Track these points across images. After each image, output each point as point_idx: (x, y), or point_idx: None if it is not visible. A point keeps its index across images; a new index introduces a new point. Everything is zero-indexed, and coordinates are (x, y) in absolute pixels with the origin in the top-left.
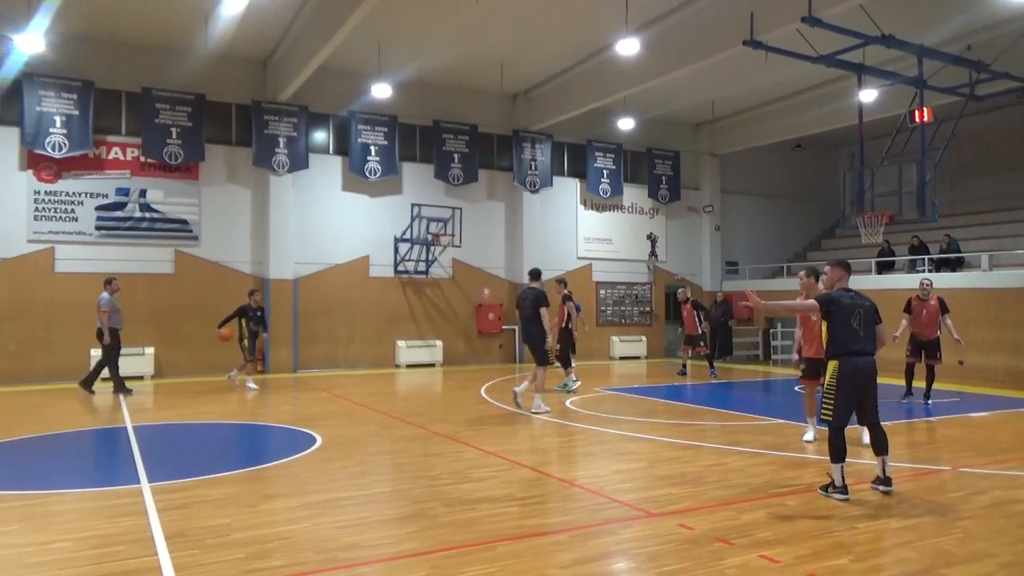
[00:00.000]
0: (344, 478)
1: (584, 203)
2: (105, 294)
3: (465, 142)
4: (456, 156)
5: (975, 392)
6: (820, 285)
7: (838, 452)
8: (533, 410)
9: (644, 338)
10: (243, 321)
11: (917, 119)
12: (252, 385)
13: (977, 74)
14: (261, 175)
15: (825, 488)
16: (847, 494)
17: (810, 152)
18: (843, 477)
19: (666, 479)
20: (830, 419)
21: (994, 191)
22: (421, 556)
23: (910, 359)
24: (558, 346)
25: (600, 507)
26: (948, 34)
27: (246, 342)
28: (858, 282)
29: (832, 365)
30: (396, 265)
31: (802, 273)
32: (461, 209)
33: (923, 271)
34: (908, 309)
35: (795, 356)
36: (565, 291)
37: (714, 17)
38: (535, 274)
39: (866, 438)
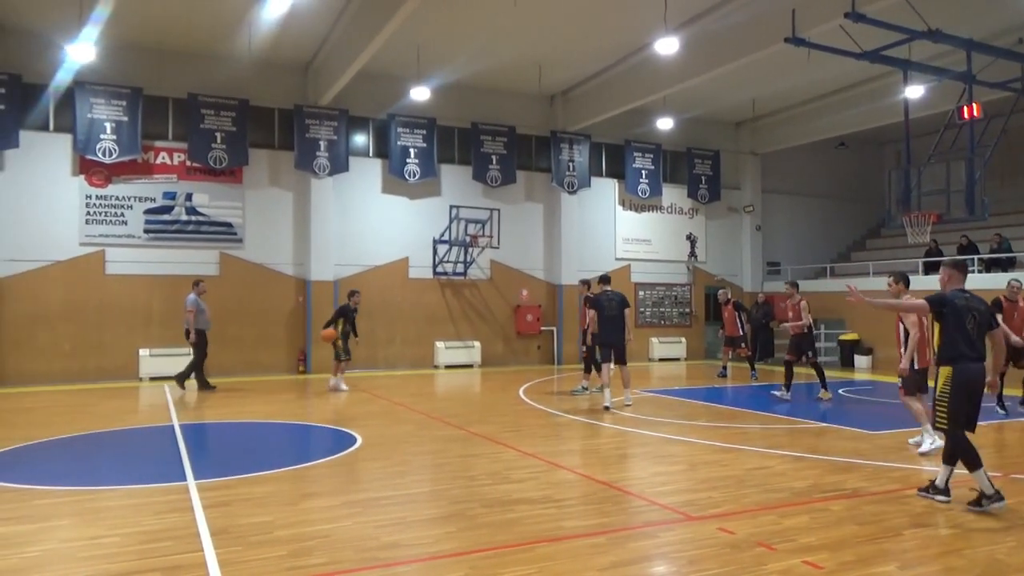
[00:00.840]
0: (384, 478)
1: (622, 204)
2: (192, 295)
3: (503, 143)
4: (494, 158)
5: None
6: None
7: (971, 458)
8: (626, 402)
9: (684, 339)
10: (340, 322)
11: (966, 115)
12: (344, 387)
13: None
14: (303, 178)
15: (977, 503)
16: (1002, 499)
17: (854, 150)
18: (990, 483)
19: (706, 482)
20: (946, 427)
21: None
22: (459, 556)
23: None
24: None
25: (639, 510)
26: (998, 27)
27: (340, 342)
28: None
29: (945, 371)
30: (435, 267)
31: (891, 279)
32: (499, 210)
33: (973, 271)
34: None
35: (905, 365)
36: (587, 293)
37: (755, 14)
38: (607, 279)
39: (927, 446)
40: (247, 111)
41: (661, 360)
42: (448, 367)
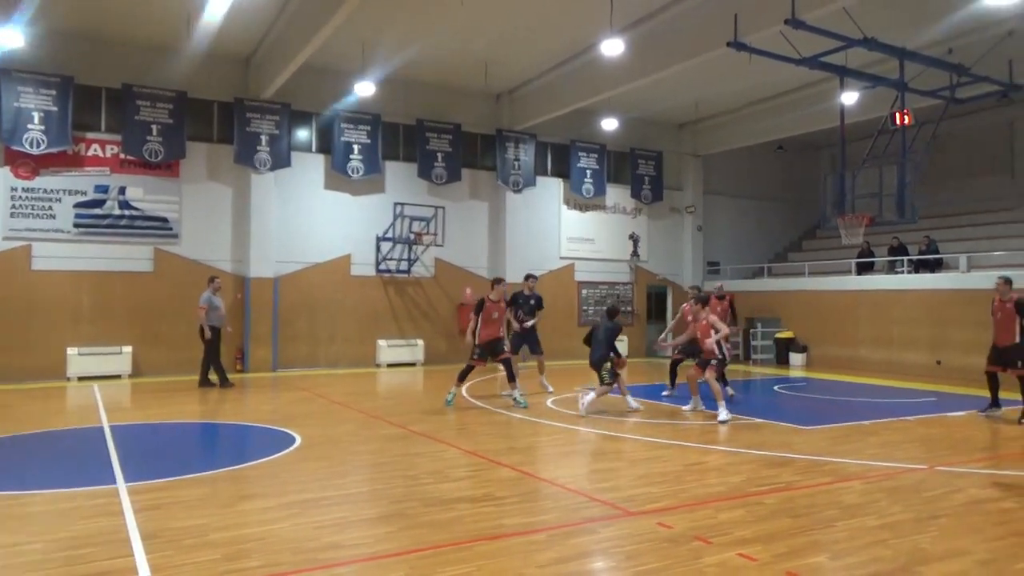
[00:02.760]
0: (323, 478)
1: (567, 203)
2: (206, 292)
3: (448, 141)
4: (439, 155)
5: (953, 392)
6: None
7: None
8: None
9: (626, 338)
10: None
11: (898, 121)
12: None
13: (958, 77)
14: (243, 173)
15: None
16: None
17: (792, 154)
18: None
19: (645, 478)
20: None
21: (973, 193)
22: (399, 556)
23: (989, 367)
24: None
25: (579, 506)
26: (930, 37)
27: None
28: (838, 283)
29: None
30: (378, 264)
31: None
32: (444, 208)
33: (902, 272)
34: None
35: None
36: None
37: (698, 18)
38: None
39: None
40: (185, 103)
41: None
42: (390, 365)
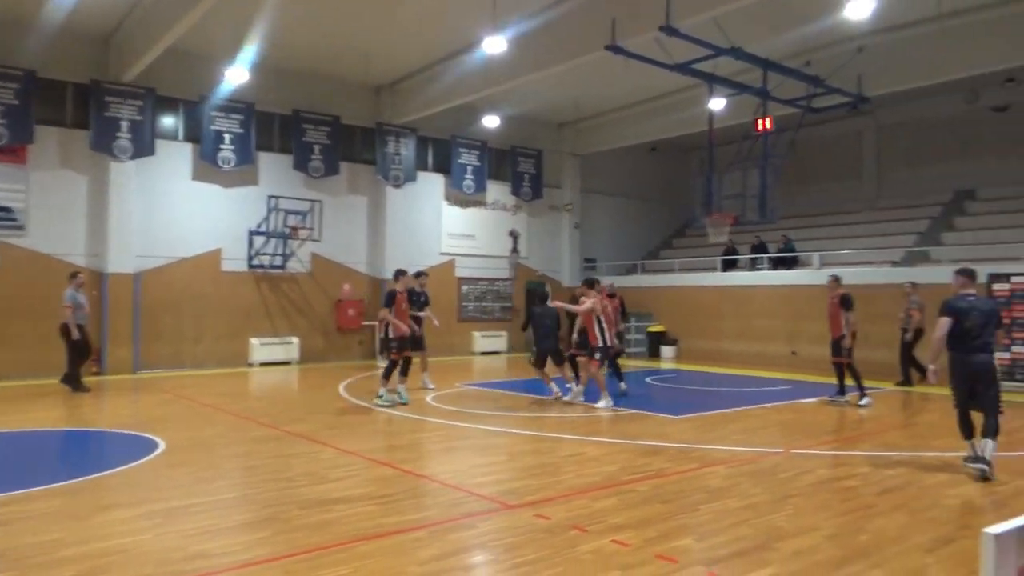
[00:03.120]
0: (190, 484)
1: (448, 199)
2: (69, 289)
3: (326, 133)
4: (316, 147)
5: (806, 380)
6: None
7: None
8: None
9: (505, 333)
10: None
11: (760, 127)
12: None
13: (814, 88)
14: (100, 161)
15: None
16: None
17: (665, 155)
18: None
19: (525, 471)
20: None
21: (825, 196)
22: (273, 561)
23: (833, 358)
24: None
25: (459, 502)
26: (790, 50)
27: None
28: (705, 279)
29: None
30: (250, 259)
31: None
32: (321, 202)
33: (763, 269)
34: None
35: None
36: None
37: (578, 21)
38: (398, 274)
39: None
40: (34, 83)
41: (483, 354)
42: (264, 364)
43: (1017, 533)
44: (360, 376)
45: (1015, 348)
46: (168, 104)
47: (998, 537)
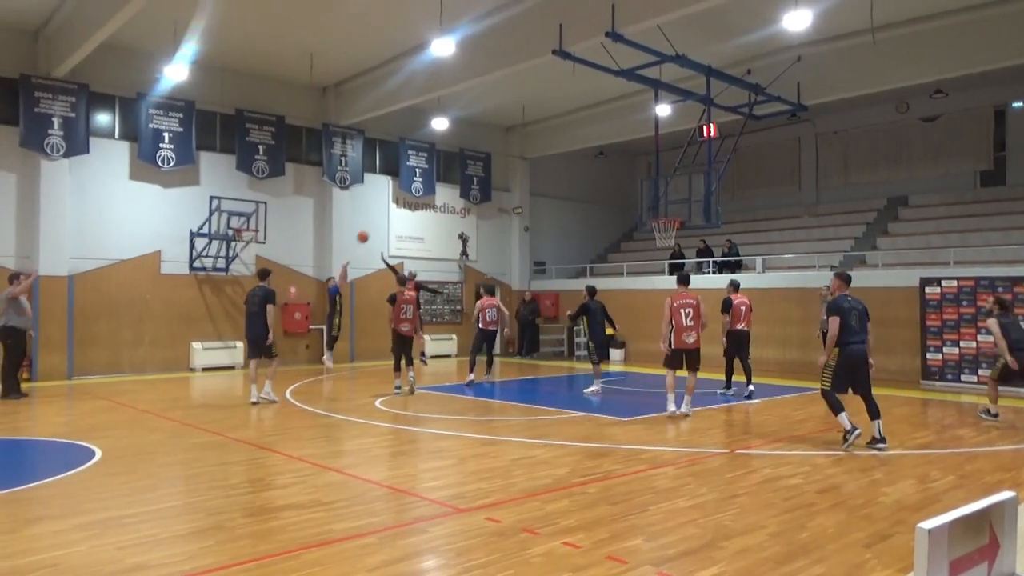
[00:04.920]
0: (128, 493)
1: (396, 201)
2: (10, 288)
3: (271, 133)
4: (261, 148)
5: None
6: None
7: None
8: (263, 396)
9: (455, 337)
10: None
11: (705, 134)
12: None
13: (755, 96)
14: (30, 158)
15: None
16: (857, 429)
17: (612, 160)
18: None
19: (475, 474)
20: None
21: (767, 201)
22: (217, 571)
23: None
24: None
25: (409, 506)
26: (732, 58)
27: None
28: (653, 283)
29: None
30: (192, 261)
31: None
32: (266, 203)
33: (708, 272)
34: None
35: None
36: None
37: (526, 25)
38: (264, 274)
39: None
40: None
41: (433, 357)
42: (206, 369)
43: (948, 528)
44: (307, 380)
45: (946, 350)
46: (103, 101)
47: (931, 532)
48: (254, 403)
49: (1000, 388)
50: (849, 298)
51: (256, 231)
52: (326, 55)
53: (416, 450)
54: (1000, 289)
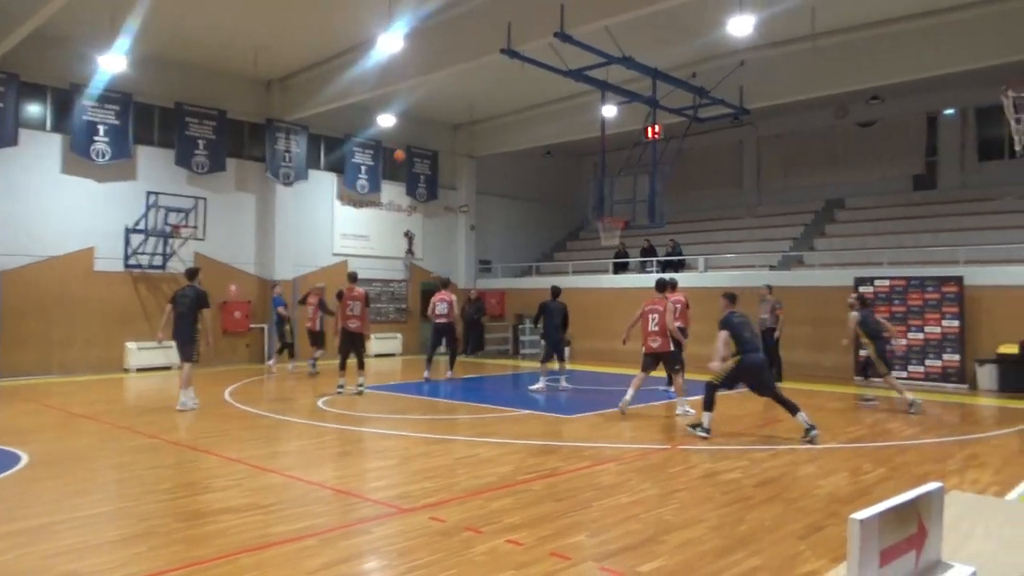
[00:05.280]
0: (57, 499)
1: (341, 198)
2: None
3: (212, 128)
4: (201, 142)
5: (691, 379)
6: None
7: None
8: (182, 405)
9: (400, 335)
10: None
11: (650, 135)
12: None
13: (699, 99)
14: None
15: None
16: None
17: (559, 159)
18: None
19: (419, 474)
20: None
21: (710, 202)
22: None
23: None
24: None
25: (352, 507)
26: (677, 61)
27: None
28: (598, 281)
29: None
30: (127, 258)
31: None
32: (206, 199)
33: (652, 271)
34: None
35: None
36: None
37: (474, 23)
38: (192, 273)
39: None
40: None
41: (378, 356)
42: (141, 370)
43: (879, 518)
44: (247, 380)
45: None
46: (35, 92)
47: (863, 522)
48: (184, 409)
49: (922, 384)
50: (737, 314)
51: (195, 228)
52: (271, 49)
53: (359, 450)
54: (929, 289)
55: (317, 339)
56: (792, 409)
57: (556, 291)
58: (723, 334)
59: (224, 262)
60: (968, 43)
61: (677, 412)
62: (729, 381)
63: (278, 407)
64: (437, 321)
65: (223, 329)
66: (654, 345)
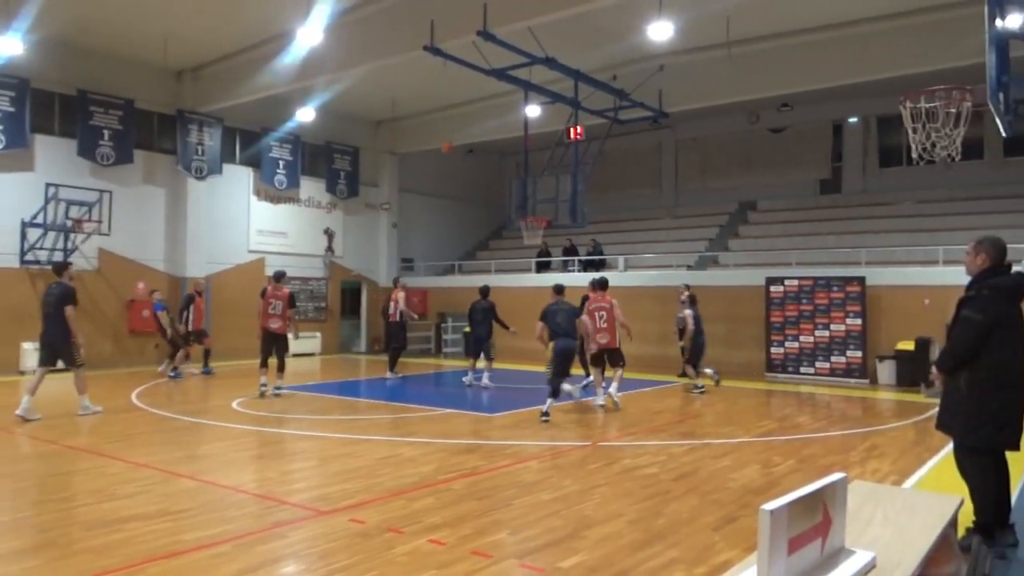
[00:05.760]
0: None
1: (258, 194)
2: None
3: (118, 118)
4: (106, 133)
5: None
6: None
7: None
8: (83, 410)
9: (319, 334)
10: None
11: (572, 136)
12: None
13: (620, 101)
14: None
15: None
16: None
17: (482, 158)
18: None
19: (339, 475)
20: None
21: (630, 203)
22: None
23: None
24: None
25: (268, 511)
26: (599, 64)
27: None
28: (521, 280)
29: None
30: (23, 254)
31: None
32: (111, 193)
33: (574, 270)
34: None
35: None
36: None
37: (397, 18)
38: (59, 268)
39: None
40: None
41: (296, 355)
42: None
43: (788, 509)
44: (156, 382)
45: (788, 344)
46: None
47: (772, 513)
48: (23, 419)
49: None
50: (555, 304)
51: (99, 222)
52: (182, 37)
53: (277, 452)
54: (835, 288)
55: (186, 341)
56: (555, 392)
57: (484, 290)
58: (540, 324)
59: (132, 258)
60: (869, 56)
61: (600, 402)
62: (557, 368)
63: (190, 409)
64: (390, 320)
65: (130, 329)
66: (603, 341)
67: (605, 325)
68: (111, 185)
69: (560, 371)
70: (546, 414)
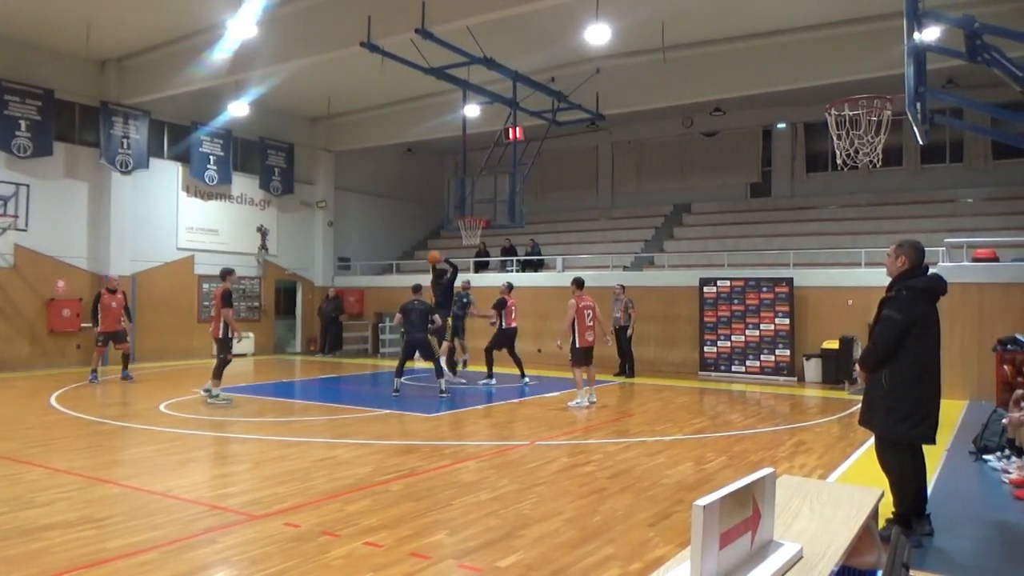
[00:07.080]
0: None
1: (187, 190)
2: None
3: (37, 108)
4: (23, 124)
5: (549, 375)
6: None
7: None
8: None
9: (252, 334)
10: None
11: (511, 136)
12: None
13: (558, 103)
14: None
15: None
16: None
17: (420, 157)
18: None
19: (272, 479)
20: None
21: (567, 204)
22: None
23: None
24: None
25: (198, 517)
26: (538, 65)
27: None
28: (458, 280)
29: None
30: None
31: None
32: (29, 186)
33: (512, 270)
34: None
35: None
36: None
37: (334, 13)
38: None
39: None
40: None
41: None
42: None
43: (720, 504)
44: (76, 384)
45: (720, 343)
46: None
47: (705, 508)
48: None
49: (758, 378)
50: (414, 302)
51: (16, 216)
52: (105, 25)
53: (207, 456)
54: (764, 289)
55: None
56: (439, 372)
57: (416, 288)
58: (398, 317)
59: (51, 255)
60: (797, 64)
61: (593, 400)
62: (406, 355)
63: (115, 412)
64: None
65: (49, 329)
66: (591, 339)
67: (591, 324)
68: (29, 178)
69: (406, 358)
70: (397, 391)
